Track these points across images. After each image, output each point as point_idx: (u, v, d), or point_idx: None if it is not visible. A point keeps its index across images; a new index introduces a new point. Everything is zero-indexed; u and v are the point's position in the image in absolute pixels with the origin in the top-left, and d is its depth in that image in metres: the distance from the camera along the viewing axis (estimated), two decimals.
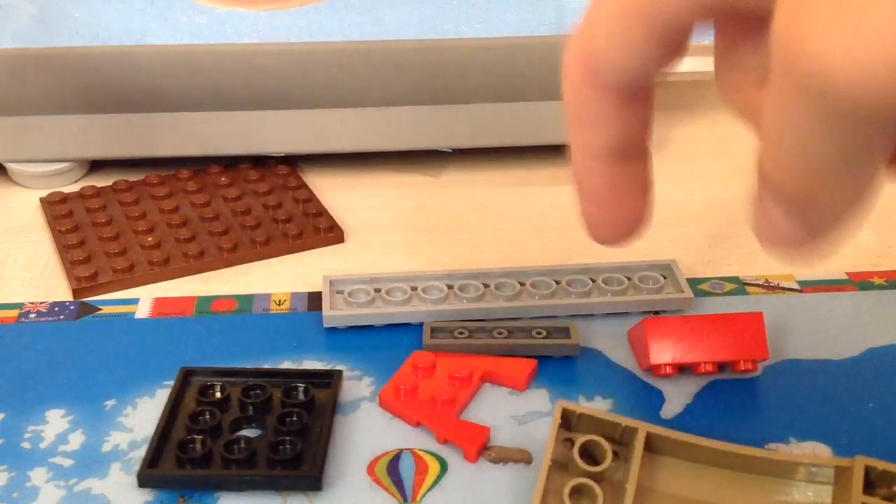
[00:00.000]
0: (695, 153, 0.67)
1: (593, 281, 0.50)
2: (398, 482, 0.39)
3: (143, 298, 0.50)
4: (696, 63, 0.68)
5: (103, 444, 0.41)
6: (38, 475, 0.39)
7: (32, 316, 0.49)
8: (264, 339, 0.47)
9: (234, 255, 0.54)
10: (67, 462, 0.40)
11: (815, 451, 0.41)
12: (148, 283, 0.52)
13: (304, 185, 0.61)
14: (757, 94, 0.24)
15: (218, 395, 0.43)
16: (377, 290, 0.49)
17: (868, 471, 0.35)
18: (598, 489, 0.36)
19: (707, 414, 0.43)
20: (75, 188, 0.60)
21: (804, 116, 0.20)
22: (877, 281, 0.52)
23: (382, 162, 0.64)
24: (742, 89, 0.25)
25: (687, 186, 0.62)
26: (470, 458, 0.40)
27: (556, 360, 0.46)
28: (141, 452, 0.40)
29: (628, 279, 0.50)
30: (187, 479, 0.39)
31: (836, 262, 0.54)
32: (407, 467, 0.40)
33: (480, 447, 0.40)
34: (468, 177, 0.63)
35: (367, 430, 0.42)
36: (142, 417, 0.42)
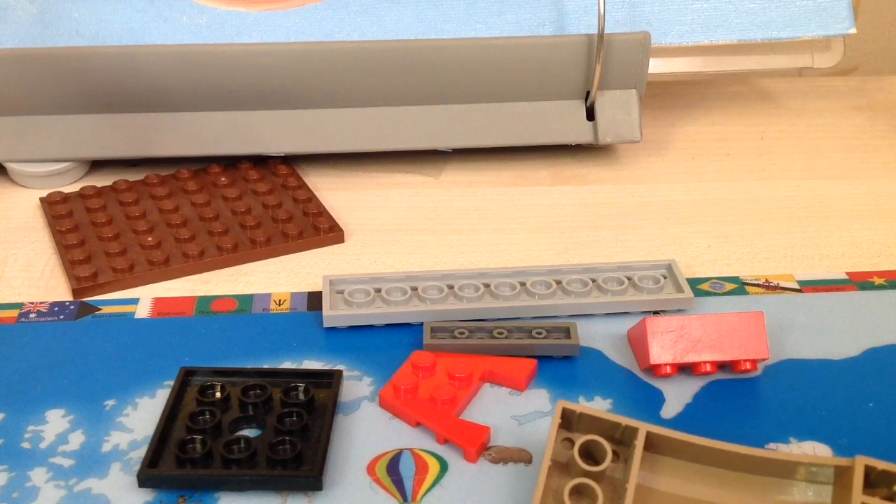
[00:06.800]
0: (695, 153, 0.67)
1: (593, 281, 0.50)
2: (398, 482, 0.39)
3: (143, 298, 0.50)
4: (696, 63, 0.68)
5: (103, 444, 0.41)
6: (38, 475, 0.39)
7: (32, 316, 0.49)
8: (264, 339, 0.47)
9: (234, 255, 0.54)
10: (67, 462, 0.40)
11: (815, 451, 0.41)
12: (148, 283, 0.52)
13: (304, 185, 0.61)
14: None
15: (218, 395, 0.43)
16: (377, 290, 0.49)
17: (868, 471, 0.35)
18: (598, 489, 0.36)
19: (707, 414, 0.43)
20: (75, 188, 0.60)
21: None
22: (877, 281, 0.52)
23: (382, 162, 0.64)
24: None
25: (687, 186, 0.62)
26: (470, 458, 0.40)
27: (556, 360, 0.46)
28: (141, 452, 0.40)
29: (628, 279, 0.50)
30: (187, 479, 0.39)
31: (836, 262, 0.54)
32: (407, 467, 0.40)
33: (480, 447, 0.40)
34: (468, 177, 0.63)
35: (367, 430, 0.42)
36: (142, 417, 0.42)
